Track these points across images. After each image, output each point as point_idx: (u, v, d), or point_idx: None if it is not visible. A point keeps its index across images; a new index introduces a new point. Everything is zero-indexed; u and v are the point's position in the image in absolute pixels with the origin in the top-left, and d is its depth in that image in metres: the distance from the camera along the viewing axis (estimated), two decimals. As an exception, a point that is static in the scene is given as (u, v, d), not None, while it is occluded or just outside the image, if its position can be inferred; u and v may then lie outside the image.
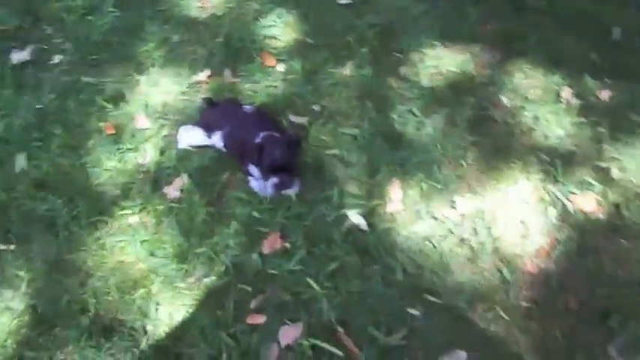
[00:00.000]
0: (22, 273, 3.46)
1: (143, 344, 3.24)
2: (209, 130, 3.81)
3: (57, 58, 4.59)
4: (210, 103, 3.96)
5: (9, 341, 3.23)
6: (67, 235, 3.60)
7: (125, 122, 4.10)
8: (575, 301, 3.31)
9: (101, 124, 4.10)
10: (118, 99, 4.23)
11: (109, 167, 3.89)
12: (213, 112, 3.89)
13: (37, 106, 4.23)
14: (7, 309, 3.34)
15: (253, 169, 3.64)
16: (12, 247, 3.57)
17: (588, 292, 3.34)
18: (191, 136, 3.89)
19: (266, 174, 3.55)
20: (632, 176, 3.74)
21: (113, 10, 4.86)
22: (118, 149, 3.97)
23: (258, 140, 3.57)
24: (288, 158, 3.51)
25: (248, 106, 3.92)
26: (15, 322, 3.30)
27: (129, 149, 3.97)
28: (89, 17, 4.87)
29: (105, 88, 4.31)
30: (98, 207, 3.70)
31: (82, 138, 4.04)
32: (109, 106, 4.19)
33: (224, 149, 3.81)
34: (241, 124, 3.75)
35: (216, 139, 3.79)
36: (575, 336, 3.20)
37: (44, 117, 4.17)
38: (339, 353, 3.16)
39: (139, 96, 4.25)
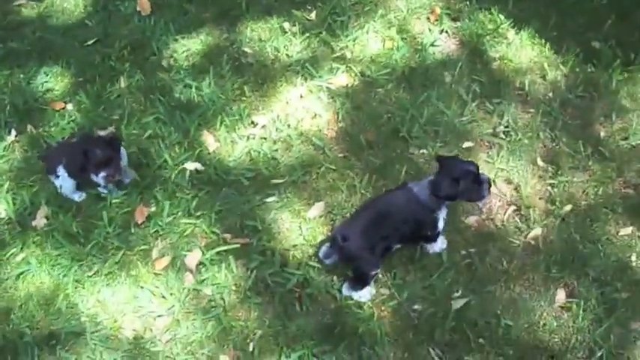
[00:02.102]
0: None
1: (87, 334, 4.15)
2: (53, 171, 4.60)
3: None
4: (41, 156, 4.79)
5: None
6: (-34, 296, 4.33)
7: (-35, 199, 4.83)
8: (371, 134, 4.83)
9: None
10: (-55, 188, 4.92)
11: (-28, 235, 4.62)
12: (47, 157, 4.70)
13: None
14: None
15: (96, 178, 4.48)
16: None
17: (376, 125, 4.90)
18: (65, 188, 4.68)
19: (95, 171, 4.39)
20: (361, 51, 5.37)
21: None
22: (-27, 217, 4.70)
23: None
24: (108, 153, 4.37)
25: (73, 138, 4.85)
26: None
27: (-17, 214, 4.73)
28: None
29: None
30: (-19, 265, 4.45)
31: None
32: (-57, 192, 4.87)
33: (71, 178, 4.60)
34: (72, 150, 4.57)
35: (62, 173, 4.57)
36: (383, 153, 4.71)
37: None
38: (237, 245, 4.36)
39: (-36, 175, 4.97)
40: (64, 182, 4.64)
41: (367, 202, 4.28)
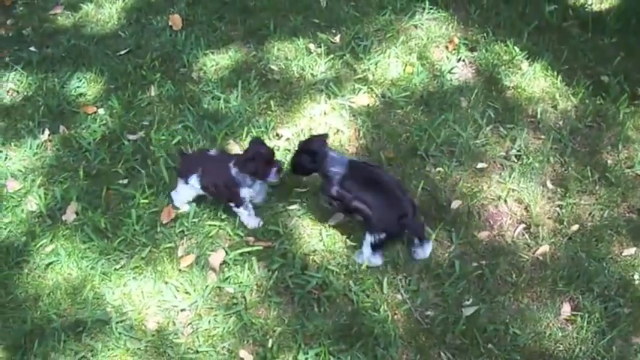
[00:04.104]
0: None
1: (113, 323, 4.35)
2: (185, 176, 4.69)
3: None
4: (182, 153, 4.88)
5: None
6: (-2, 282, 4.55)
7: (-2, 191, 5.06)
8: (390, 151, 5.09)
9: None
10: (-22, 179, 5.14)
11: (4, 225, 4.89)
12: (186, 160, 4.80)
13: None
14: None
15: (244, 192, 4.60)
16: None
17: (395, 143, 5.16)
18: (181, 195, 4.83)
19: (265, 169, 4.49)
20: (382, 74, 5.66)
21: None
22: (6, 209, 4.97)
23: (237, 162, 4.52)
24: (271, 150, 4.56)
25: (212, 151, 4.88)
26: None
27: (14, 206, 4.97)
28: None
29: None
30: (15, 254, 4.72)
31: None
32: (-23, 187, 5.09)
33: (202, 191, 4.72)
34: (213, 165, 4.67)
35: (193, 182, 4.67)
36: (401, 169, 4.98)
37: None
38: (259, 247, 4.59)
39: (-2, 170, 5.20)
40: (187, 191, 4.78)
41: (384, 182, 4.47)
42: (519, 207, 4.76)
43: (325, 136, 4.64)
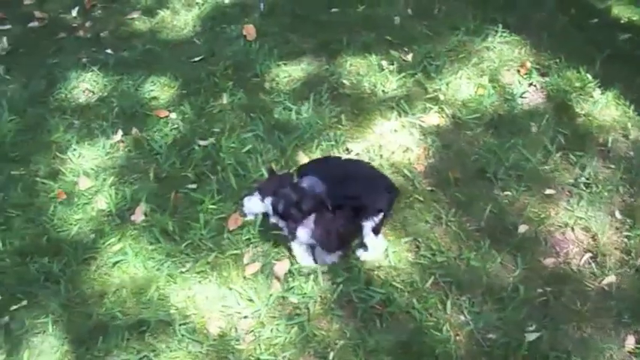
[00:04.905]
0: (41, 319, 4.52)
1: (176, 325, 4.41)
2: (263, 195, 4.73)
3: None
4: (271, 171, 4.96)
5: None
6: (66, 278, 4.69)
7: (71, 188, 5.23)
8: (456, 172, 5.09)
9: (51, 195, 5.21)
10: (54, 175, 5.35)
11: (74, 222, 5.02)
12: (269, 180, 4.87)
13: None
14: (51, 346, 4.42)
15: (302, 233, 4.49)
16: (24, 302, 4.60)
17: (463, 164, 5.16)
18: (252, 205, 4.87)
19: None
20: (453, 95, 5.65)
21: (13, 117, 5.95)
22: (77, 205, 5.10)
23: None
24: None
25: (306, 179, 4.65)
26: (57, 353, 4.38)
27: (85, 203, 5.10)
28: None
29: (39, 172, 5.42)
30: (83, 250, 4.82)
31: (41, 210, 5.15)
32: (50, 182, 5.28)
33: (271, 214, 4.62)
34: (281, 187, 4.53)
35: (267, 203, 4.64)
36: (468, 190, 4.98)
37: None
38: (325, 265, 4.60)
39: (72, 166, 5.38)
40: (259, 205, 4.81)
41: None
42: (586, 235, 4.72)
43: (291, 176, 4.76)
